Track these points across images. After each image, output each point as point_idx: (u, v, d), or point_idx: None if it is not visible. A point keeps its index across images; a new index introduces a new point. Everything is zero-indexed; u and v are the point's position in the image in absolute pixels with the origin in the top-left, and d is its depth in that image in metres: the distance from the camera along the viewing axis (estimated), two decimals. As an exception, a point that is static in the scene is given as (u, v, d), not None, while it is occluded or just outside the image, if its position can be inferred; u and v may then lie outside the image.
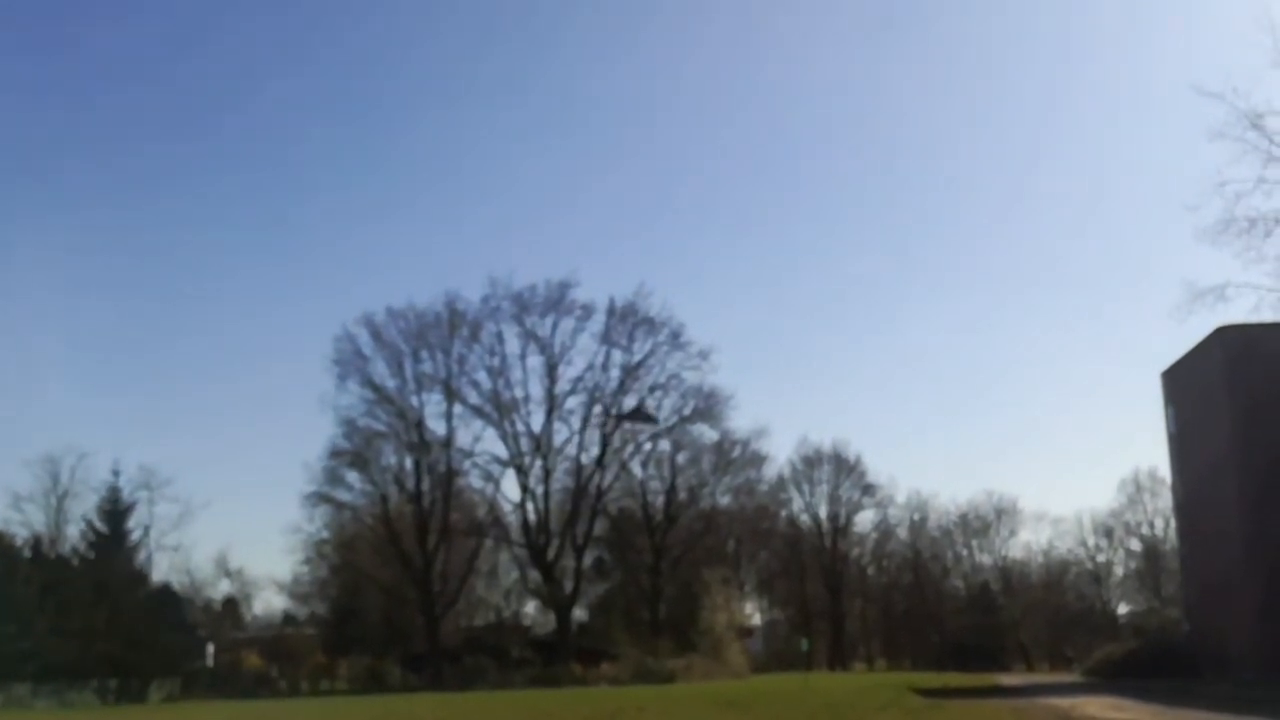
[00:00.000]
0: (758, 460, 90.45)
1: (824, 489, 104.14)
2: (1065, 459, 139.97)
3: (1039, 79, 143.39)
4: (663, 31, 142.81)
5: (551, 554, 77.82)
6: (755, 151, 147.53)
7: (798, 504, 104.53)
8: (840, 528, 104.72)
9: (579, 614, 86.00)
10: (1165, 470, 71.10)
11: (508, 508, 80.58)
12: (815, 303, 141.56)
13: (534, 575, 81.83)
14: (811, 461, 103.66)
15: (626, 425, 77.96)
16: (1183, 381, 58.83)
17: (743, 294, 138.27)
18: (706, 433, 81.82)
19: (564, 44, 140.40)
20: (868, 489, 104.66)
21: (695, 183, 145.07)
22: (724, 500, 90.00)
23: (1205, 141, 41.25)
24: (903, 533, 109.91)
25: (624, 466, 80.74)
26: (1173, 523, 77.69)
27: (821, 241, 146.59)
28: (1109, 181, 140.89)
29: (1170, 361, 59.30)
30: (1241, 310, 43.40)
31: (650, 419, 74.39)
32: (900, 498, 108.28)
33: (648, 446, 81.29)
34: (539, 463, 76.66)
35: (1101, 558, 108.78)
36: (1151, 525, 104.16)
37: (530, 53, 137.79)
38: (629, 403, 77.73)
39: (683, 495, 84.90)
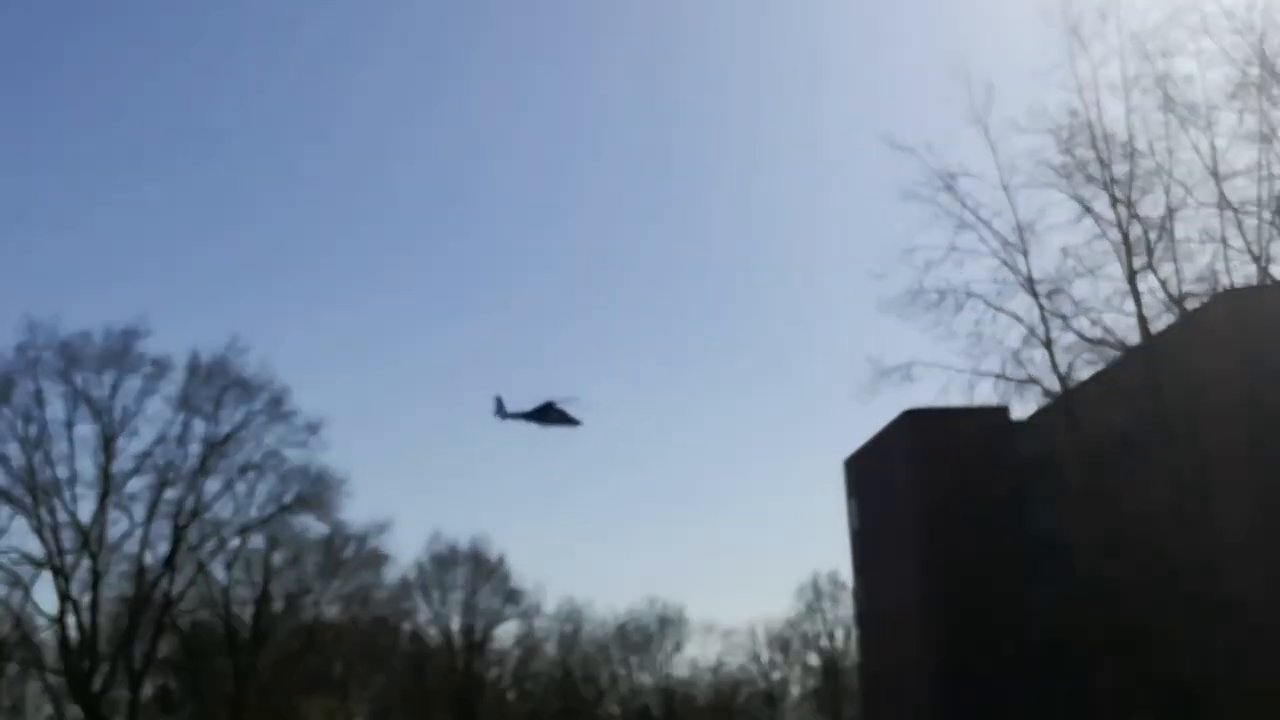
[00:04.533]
0: (376, 560, 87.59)
1: (458, 595, 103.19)
2: (740, 561, 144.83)
3: (713, 132, 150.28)
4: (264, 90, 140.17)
5: (99, 683, 72.06)
6: (372, 203, 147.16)
7: (425, 614, 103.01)
8: (477, 643, 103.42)
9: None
10: (848, 573, 74.27)
11: (41, 622, 73.86)
12: (446, 381, 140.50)
13: (74, 711, 75.16)
14: (444, 562, 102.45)
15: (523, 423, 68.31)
16: (867, 471, 61.47)
17: (359, 361, 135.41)
18: (312, 525, 79.11)
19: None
20: (511, 595, 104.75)
21: (305, 232, 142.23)
22: (332, 610, 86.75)
23: (897, 202, 43.60)
24: (551, 648, 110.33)
25: (201, 568, 76.15)
26: (854, 633, 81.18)
27: (445, 313, 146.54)
28: (792, 243, 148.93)
29: (853, 448, 62.03)
30: (929, 392, 45.86)
31: (568, 420, 66.88)
32: (549, 606, 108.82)
33: (235, 543, 77.29)
34: (86, 563, 71.52)
35: (777, 675, 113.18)
36: (831, 637, 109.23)
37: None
38: (211, 487, 73.80)
39: (278, 605, 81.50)
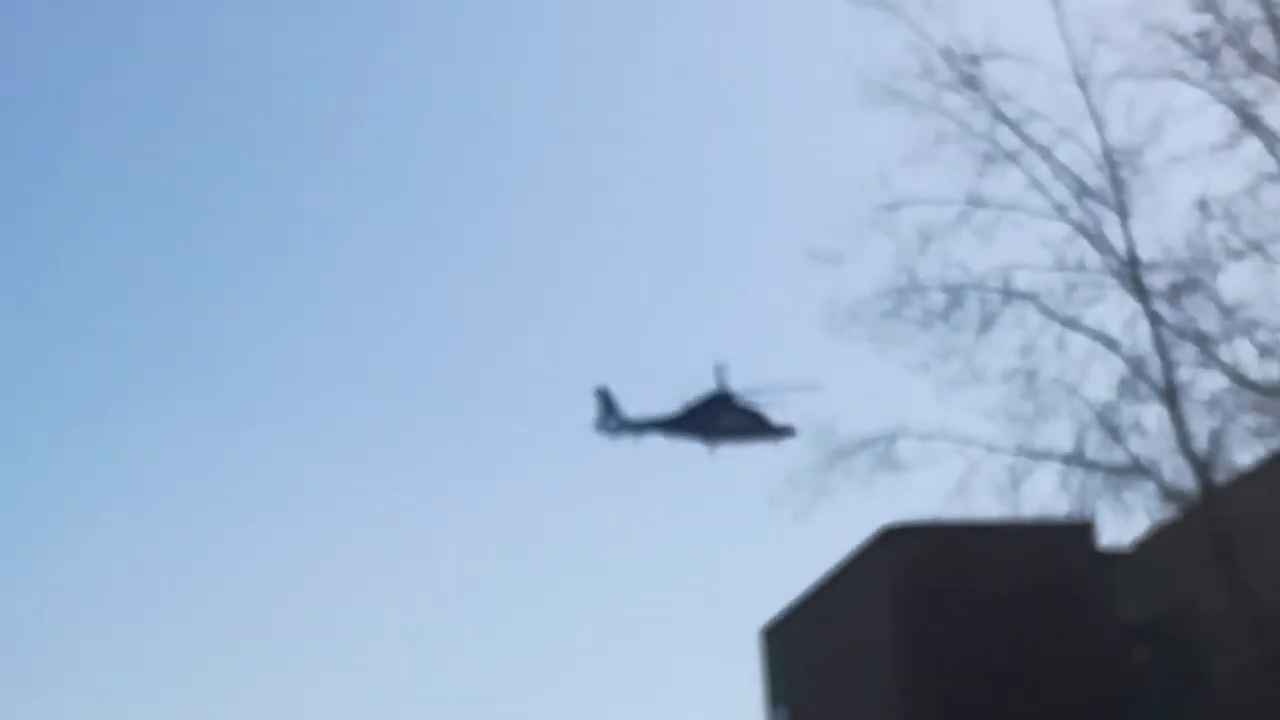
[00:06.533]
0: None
1: None
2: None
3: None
4: None
5: None
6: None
7: None
8: None
9: None
10: None
11: None
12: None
13: None
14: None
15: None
16: (806, 654, 40.10)
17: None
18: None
19: None
20: None
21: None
22: None
23: (855, 112, 30.01)
24: None
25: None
26: None
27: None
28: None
29: (772, 603, 40.67)
30: (929, 489, 29.66)
31: (765, 430, 53.89)
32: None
33: None
34: None
35: None
36: None
37: None
38: None
39: None
